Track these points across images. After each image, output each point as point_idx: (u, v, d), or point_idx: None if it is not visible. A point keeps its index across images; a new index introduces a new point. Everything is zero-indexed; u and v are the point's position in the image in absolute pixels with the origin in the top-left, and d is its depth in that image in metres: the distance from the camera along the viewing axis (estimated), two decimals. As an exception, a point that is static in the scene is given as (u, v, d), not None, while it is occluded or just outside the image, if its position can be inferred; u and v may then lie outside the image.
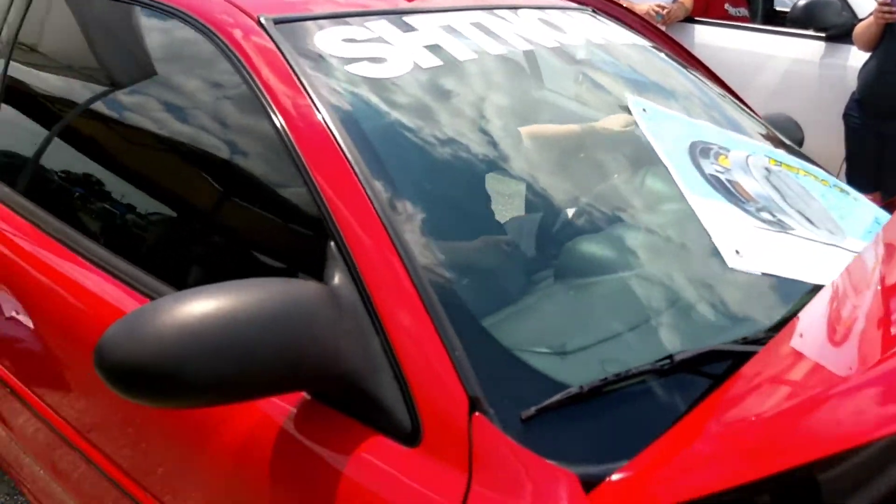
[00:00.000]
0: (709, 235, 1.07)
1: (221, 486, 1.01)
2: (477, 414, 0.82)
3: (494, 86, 1.25)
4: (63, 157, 1.47)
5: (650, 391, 0.87)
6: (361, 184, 0.97)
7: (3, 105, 1.56)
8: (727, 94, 1.75)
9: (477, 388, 0.83)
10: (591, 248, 1.09)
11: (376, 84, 1.13)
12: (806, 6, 3.14)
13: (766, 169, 1.34)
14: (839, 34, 3.07)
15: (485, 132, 1.17)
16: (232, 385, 0.81)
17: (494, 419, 0.82)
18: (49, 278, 1.30)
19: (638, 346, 0.95)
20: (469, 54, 1.25)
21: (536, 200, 1.14)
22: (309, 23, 1.19)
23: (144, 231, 1.29)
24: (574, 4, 1.75)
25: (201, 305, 0.81)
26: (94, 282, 1.23)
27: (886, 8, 2.71)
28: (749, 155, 1.34)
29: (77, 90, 1.50)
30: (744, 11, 3.69)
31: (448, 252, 0.97)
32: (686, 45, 3.64)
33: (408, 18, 1.30)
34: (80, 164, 1.44)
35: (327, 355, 0.85)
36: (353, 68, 1.13)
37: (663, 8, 3.37)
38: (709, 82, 1.72)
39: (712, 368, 0.90)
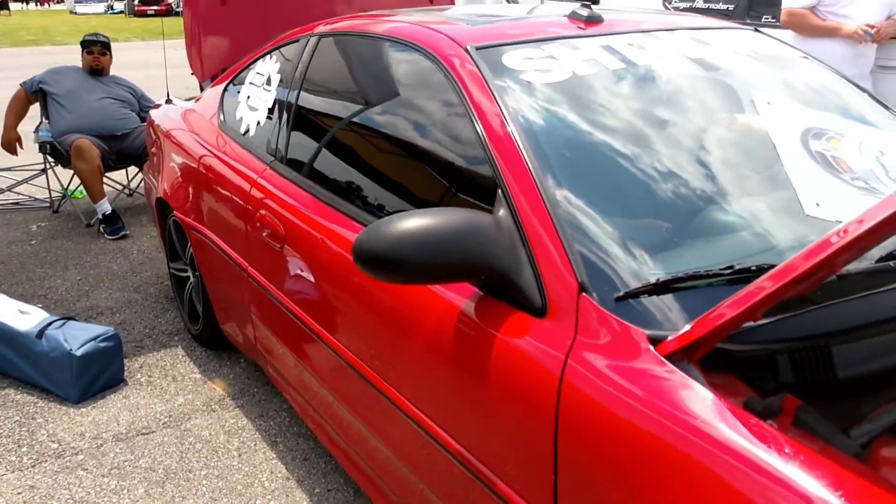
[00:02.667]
0: (795, 191, 1.36)
1: (423, 351, 1.49)
2: (584, 294, 1.22)
3: (632, 86, 1.64)
4: (332, 152, 2.10)
5: (712, 288, 1.20)
6: (521, 153, 1.42)
7: (294, 121, 2.26)
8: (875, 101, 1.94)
9: (585, 278, 1.23)
10: (691, 183, 1.42)
11: (542, 87, 1.58)
12: None
13: (881, 151, 1.55)
14: None
15: (617, 116, 1.56)
16: (431, 268, 1.29)
17: (595, 298, 1.21)
18: (321, 232, 1.92)
19: (711, 256, 1.28)
20: (617, 64, 1.65)
21: (646, 156, 1.50)
22: (500, 47, 1.69)
23: (386, 195, 1.85)
24: (735, 25, 2.06)
25: (414, 219, 1.31)
26: (351, 234, 1.81)
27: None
28: (864, 141, 1.57)
29: (343, 108, 2.14)
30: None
31: (575, 194, 1.38)
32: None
33: (575, 42, 1.74)
34: (344, 154, 2.07)
35: (490, 256, 1.30)
36: (527, 76, 1.60)
37: (872, 27, 3.39)
38: (858, 90, 1.92)
39: None
